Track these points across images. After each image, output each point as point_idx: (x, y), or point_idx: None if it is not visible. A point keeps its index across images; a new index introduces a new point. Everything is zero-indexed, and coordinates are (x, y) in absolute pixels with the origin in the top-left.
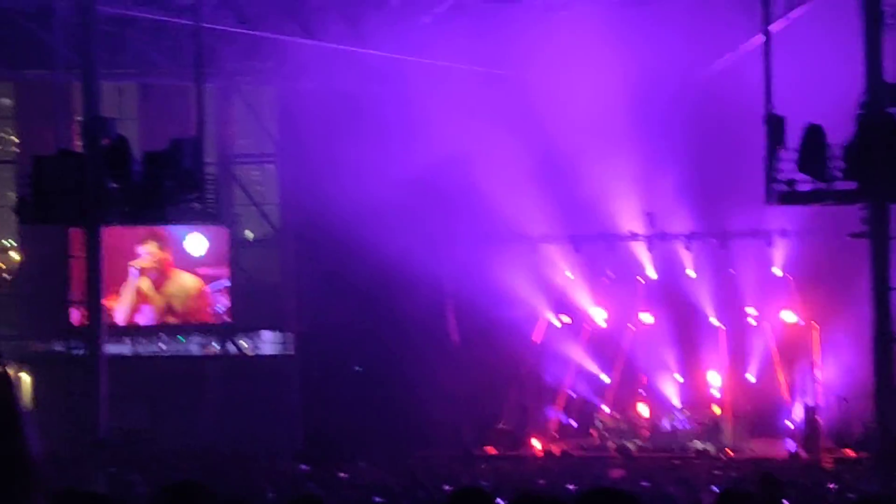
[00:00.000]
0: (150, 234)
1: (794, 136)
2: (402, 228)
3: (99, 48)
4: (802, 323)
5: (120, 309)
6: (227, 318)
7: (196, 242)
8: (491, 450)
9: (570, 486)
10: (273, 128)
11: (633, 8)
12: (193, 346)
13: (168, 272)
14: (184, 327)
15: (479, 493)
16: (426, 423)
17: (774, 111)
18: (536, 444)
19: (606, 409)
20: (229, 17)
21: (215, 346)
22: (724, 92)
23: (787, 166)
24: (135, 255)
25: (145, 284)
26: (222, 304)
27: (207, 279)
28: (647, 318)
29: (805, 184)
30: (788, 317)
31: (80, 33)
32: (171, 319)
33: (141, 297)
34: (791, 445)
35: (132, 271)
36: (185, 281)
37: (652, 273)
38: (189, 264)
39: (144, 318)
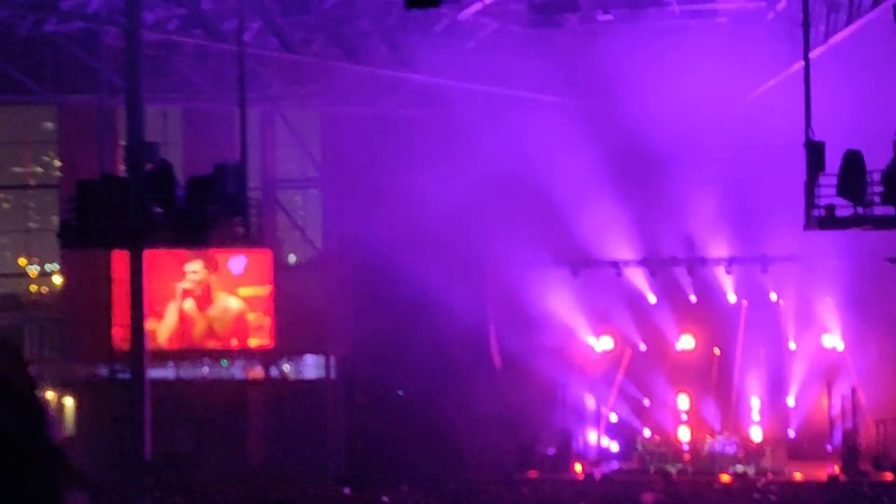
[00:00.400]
0: (197, 254)
1: (833, 162)
2: (445, 252)
3: (143, 73)
4: (842, 347)
5: (162, 331)
6: (268, 343)
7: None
8: (533, 473)
9: None
10: (316, 152)
11: (675, 34)
12: (237, 369)
13: (212, 294)
14: (228, 351)
15: None
16: (468, 447)
17: (814, 137)
18: (578, 467)
19: (647, 433)
20: (273, 42)
21: (259, 370)
22: (764, 117)
23: (827, 191)
24: (180, 276)
25: (189, 305)
26: (265, 328)
27: (251, 302)
28: (688, 341)
29: (844, 209)
30: (828, 341)
31: (124, 58)
32: (213, 343)
33: (184, 319)
34: (831, 469)
35: (177, 291)
36: (229, 304)
37: (692, 297)
38: (233, 285)
39: (187, 340)
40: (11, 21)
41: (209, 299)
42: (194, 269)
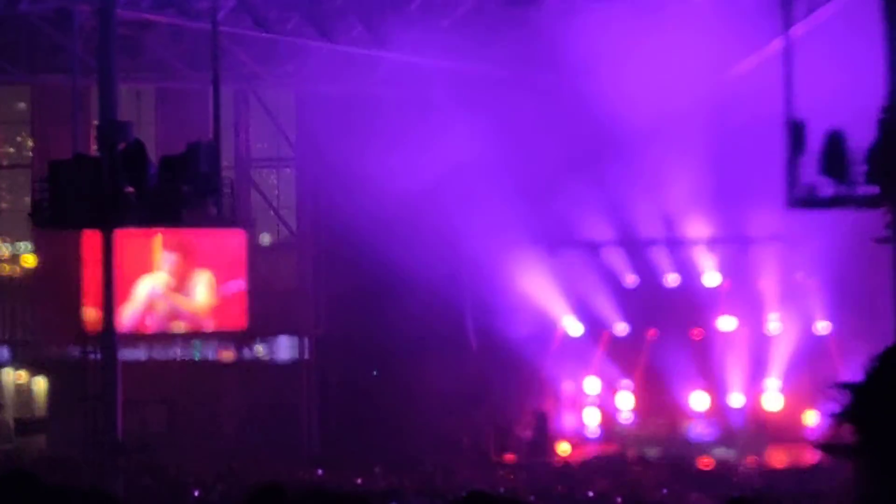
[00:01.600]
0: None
1: (815, 141)
2: (420, 233)
3: (116, 52)
4: (824, 329)
5: (128, 313)
6: (241, 324)
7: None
8: (510, 457)
9: (590, 493)
10: (290, 132)
11: (653, 11)
12: (209, 351)
13: (186, 275)
14: (200, 333)
15: (487, 498)
16: (444, 430)
17: (796, 115)
18: (556, 451)
19: (626, 417)
20: (247, 20)
21: (231, 351)
22: (745, 96)
23: (809, 171)
24: (149, 257)
25: (158, 286)
26: (236, 309)
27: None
28: (667, 324)
29: (827, 188)
30: (811, 323)
31: (97, 37)
32: (179, 325)
33: (151, 300)
34: (813, 453)
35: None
36: (198, 285)
37: (672, 278)
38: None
39: (154, 322)
40: None
41: (180, 281)
42: (163, 250)
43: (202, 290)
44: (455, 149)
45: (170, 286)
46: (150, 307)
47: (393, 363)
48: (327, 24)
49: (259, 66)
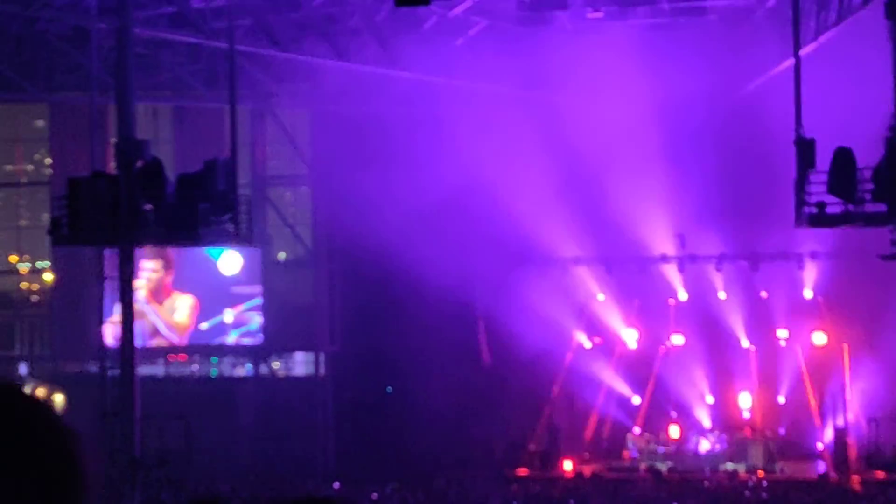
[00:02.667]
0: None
1: (823, 159)
2: (434, 249)
3: (134, 70)
4: (833, 345)
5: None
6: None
7: (230, 261)
8: (523, 471)
9: None
10: (306, 150)
11: (663, 31)
12: (226, 367)
13: (166, 292)
14: (218, 348)
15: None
16: (458, 444)
17: (804, 134)
18: (568, 465)
19: (637, 431)
20: (263, 39)
21: (247, 368)
22: (754, 114)
23: (817, 189)
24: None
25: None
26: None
27: (241, 299)
28: (677, 339)
29: (835, 206)
30: (819, 338)
31: (115, 55)
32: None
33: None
34: (821, 467)
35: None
36: (180, 304)
37: (683, 295)
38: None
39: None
40: (3, 19)
41: (164, 296)
42: (151, 266)
43: (179, 308)
44: (467, 166)
45: (153, 299)
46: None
47: (407, 379)
48: (342, 44)
49: (275, 85)
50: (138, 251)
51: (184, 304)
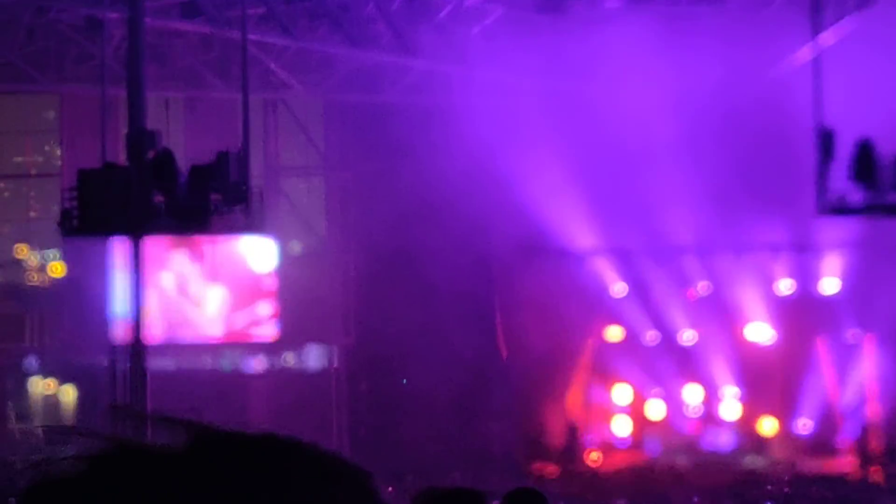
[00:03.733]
0: (182, 242)
1: (844, 149)
2: (449, 241)
3: (145, 61)
4: (855, 338)
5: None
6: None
7: (261, 254)
8: (541, 466)
9: (621, 503)
10: (319, 140)
11: (683, 19)
12: (238, 360)
13: (195, 283)
14: (230, 343)
15: (532, 493)
16: (474, 439)
17: (825, 123)
18: (587, 460)
19: (658, 425)
20: (276, 29)
21: (260, 361)
22: (774, 104)
23: (838, 179)
24: (163, 265)
25: (170, 294)
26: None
27: (259, 293)
28: (696, 333)
29: (856, 196)
30: (841, 331)
31: (126, 46)
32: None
33: (164, 308)
34: (844, 461)
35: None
36: (210, 295)
37: (701, 287)
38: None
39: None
40: (13, 9)
41: (193, 286)
42: (178, 258)
43: (213, 299)
44: (484, 157)
45: (180, 291)
46: (161, 316)
47: (423, 371)
48: (356, 33)
49: (288, 75)
50: (165, 242)
51: (215, 295)
